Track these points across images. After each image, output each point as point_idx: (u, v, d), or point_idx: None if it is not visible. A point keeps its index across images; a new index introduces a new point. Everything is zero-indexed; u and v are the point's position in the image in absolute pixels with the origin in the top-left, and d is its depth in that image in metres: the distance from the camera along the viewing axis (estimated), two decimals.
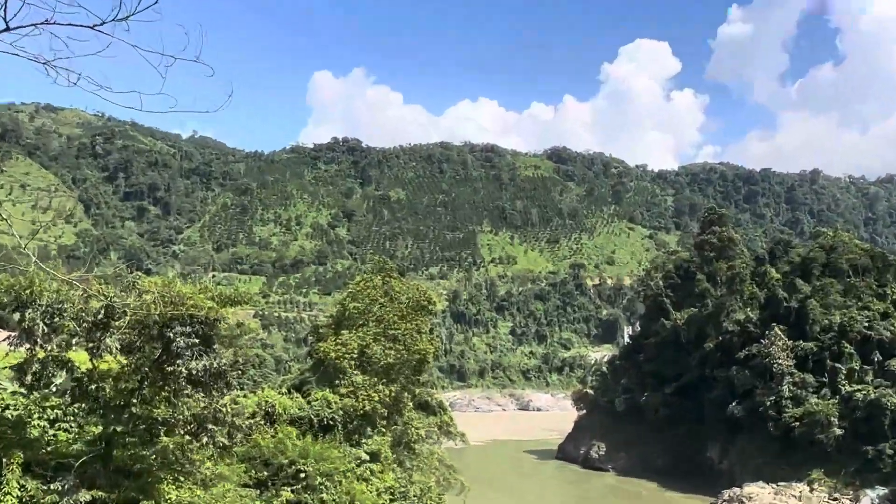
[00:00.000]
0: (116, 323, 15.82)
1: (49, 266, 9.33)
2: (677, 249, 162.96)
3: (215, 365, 16.72)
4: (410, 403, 45.16)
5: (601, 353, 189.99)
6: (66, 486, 15.35)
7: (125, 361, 16.96)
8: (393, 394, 40.09)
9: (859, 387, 63.62)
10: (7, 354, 16.68)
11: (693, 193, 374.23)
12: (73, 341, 16.06)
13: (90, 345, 15.99)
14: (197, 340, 16.65)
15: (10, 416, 16.92)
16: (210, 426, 17.10)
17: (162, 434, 17.06)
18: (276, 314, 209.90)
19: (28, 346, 15.65)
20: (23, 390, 17.01)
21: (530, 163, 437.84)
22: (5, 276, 15.46)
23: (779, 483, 60.38)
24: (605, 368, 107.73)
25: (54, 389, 16.52)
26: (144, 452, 17.21)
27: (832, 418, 61.87)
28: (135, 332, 16.49)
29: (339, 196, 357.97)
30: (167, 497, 17.12)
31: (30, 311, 15.09)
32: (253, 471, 23.53)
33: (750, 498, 57.90)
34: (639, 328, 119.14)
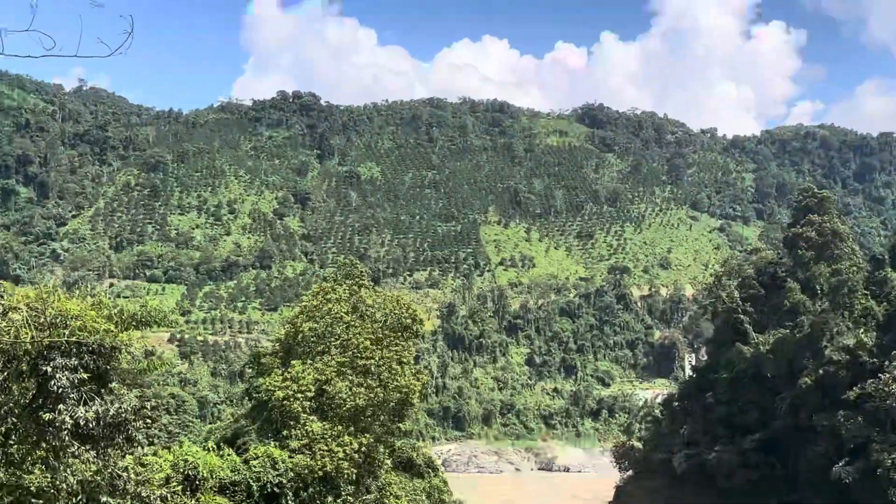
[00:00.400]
0: None
1: None
2: (759, 247, 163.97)
3: (112, 412, 16.42)
4: (388, 461, 45.08)
5: (653, 392, 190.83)
6: None
7: None
8: (364, 448, 40.05)
9: None
10: None
11: (782, 169, 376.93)
12: None
13: None
14: (86, 377, 16.33)
15: None
16: (105, 499, 16.83)
17: None
18: (200, 338, 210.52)
19: None
20: None
21: (554, 126, 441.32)
22: None
23: None
24: (658, 413, 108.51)
25: None
26: None
27: None
28: None
29: (289, 173, 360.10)
30: None
31: None
32: None
33: None
34: (705, 357, 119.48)
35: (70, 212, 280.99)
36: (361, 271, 59.78)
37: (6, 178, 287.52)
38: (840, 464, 71.21)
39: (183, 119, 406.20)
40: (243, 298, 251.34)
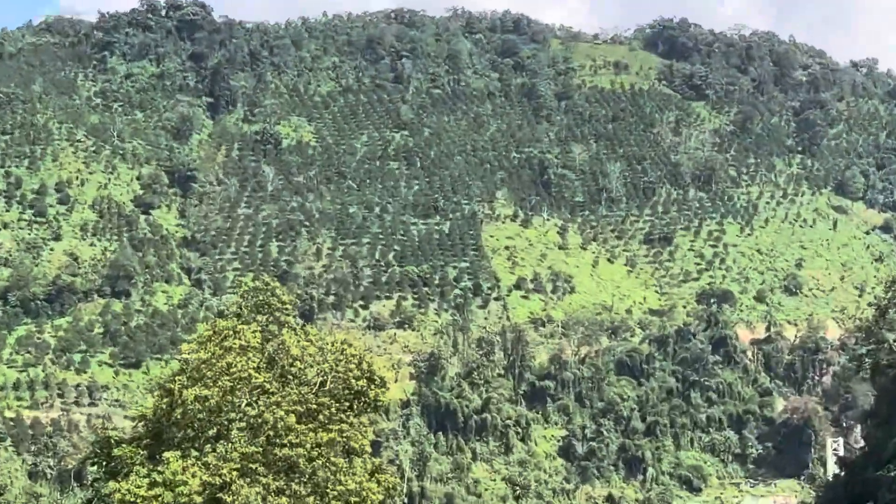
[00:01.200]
0: None
1: None
2: None
3: None
4: None
5: (771, 501, 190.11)
6: None
7: None
8: None
9: None
10: None
11: None
12: None
13: None
14: None
15: None
16: None
17: None
18: (9, 414, 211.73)
19: None
20: None
21: (606, 57, 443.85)
22: None
23: None
24: None
25: None
26: None
27: None
28: None
29: (162, 136, 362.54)
30: None
31: None
32: None
33: None
34: (861, 442, 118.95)
35: None
36: (283, 301, 61.54)
37: None
38: None
39: None
40: (83, 347, 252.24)
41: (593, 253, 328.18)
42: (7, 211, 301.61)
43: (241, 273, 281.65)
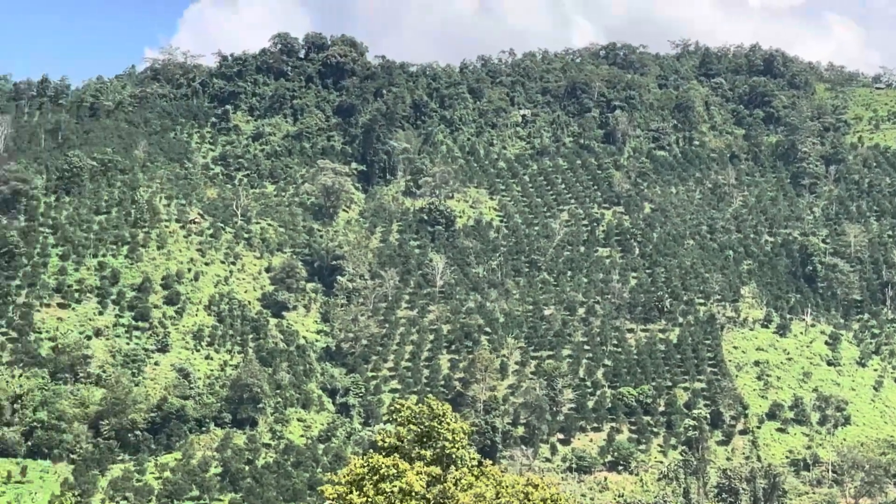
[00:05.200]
0: None
1: None
2: None
3: None
4: None
5: None
6: None
7: None
8: None
9: None
10: None
11: None
12: None
13: None
14: None
15: None
16: None
17: None
18: None
19: None
20: None
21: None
22: None
23: None
24: None
25: None
26: None
27: None
28: None
29: (300, 213, 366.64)
30: None
31: None
32: None
33: None
34: None
35: None
36: (454, 431, 59.62)
37: None
38: None
39: (70, 99, 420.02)
40: (195, 492, 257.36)
41: (875, 370, 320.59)
42: (100, 314, 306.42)
43: (400, 395, 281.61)
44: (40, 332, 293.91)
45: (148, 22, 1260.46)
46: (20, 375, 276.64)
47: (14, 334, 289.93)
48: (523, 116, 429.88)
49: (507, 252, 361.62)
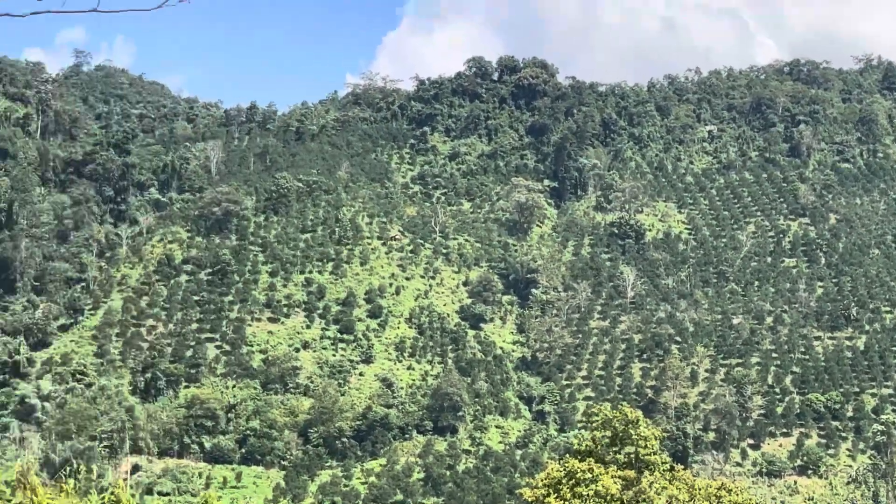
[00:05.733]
0: None
1: None
2: None
3: None
4: None
5: None
6: None
7: None
8: None
9: None
10: None
11: None
12: None
13: None
14: None
15: None
16: None
17: None
18: None
19: None
20: None
21: None
22: None
23: None
24: None
25: None
26: None
27: None
28: None
29: (495, 228, 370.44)
30: None
31: None
32: None
33: None
34: None
35: (55, 319, 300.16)
36: (646, 437, 64.94)
37: None
38: None
39: (276, 124, 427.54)
40: (400, 496, 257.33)
41: None
42: (307, 327, 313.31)
43: (593, 402, 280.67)
44: (252, 346, 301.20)
45: (349, 50, 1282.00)
46: (234, 386, 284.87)
47: (228, 347, 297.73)
48: (709, 132, 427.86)
49: (696, 263, 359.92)
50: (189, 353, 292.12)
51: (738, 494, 66.29)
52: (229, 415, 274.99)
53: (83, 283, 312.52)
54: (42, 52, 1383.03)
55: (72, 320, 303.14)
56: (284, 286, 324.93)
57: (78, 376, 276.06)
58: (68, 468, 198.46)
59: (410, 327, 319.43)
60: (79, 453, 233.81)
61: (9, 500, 36.18)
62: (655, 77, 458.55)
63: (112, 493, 50.83)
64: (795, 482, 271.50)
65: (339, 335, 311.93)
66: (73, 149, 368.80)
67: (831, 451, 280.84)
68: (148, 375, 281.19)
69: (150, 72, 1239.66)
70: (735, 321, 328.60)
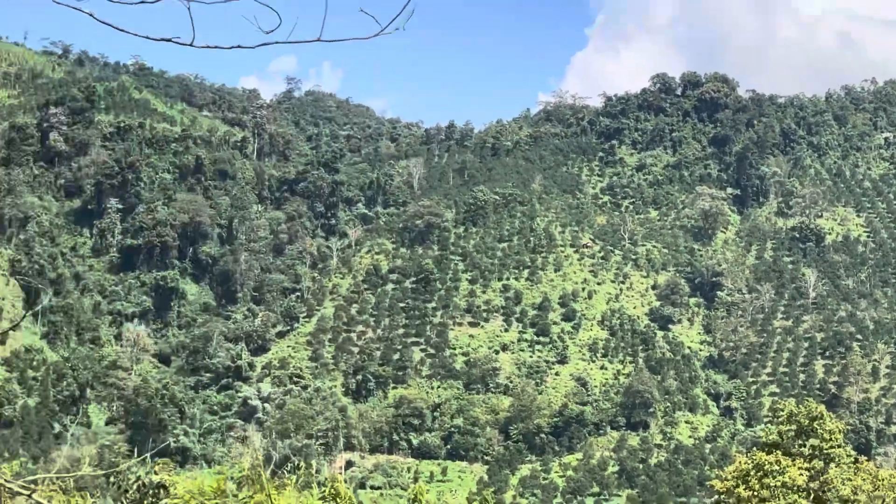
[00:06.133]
0: None
1: None
2: None
3: None
4: None
5: None
6: None
7: None
8: None
9: None
10: None
11: None
12: None
13: None
14: None
15: None
16: None
17: None
18: None
19: None
20: None
21: None
22: None
23: None
24: None
25: None
26: None
27: None
28: None
29: (681, 235, 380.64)
30: None
31: None
32: None
33: None
34: None
35: (273, 327, 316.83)
36: (830, 430, 65.07)
37: (163, 269, 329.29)
38: None
39: (473, 141, 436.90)
40: (596, 489, 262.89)
41: None
42: (505, 331, 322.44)
43: (778, 398, 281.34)
44: (454, 348, 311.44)
45: (540, 69, 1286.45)
46: (438, 386, 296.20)
47: (432, 350, 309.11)
48: (886, 139, 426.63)
49: (875, 265, 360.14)
50: (396, 356, 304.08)
51: None
52: (434, 413, 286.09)
53: (298, 293, 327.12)
54: (256, 79, 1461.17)
55: (288, 327, 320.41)
56: (483, 292, 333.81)
57: (295, 379, 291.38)
58: (289, 464, 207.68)
59: (602, 329, 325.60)
60: (297, 450, 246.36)
61: (236, 495, 40.48)
62: (832, 88, 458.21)
63: (332, 487, 59.23)
64: None
65: (535, 337, 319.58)
66: (287, 169, 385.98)
67: None
68: (359, 377, 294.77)
69: (356, 95, 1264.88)
70: None
